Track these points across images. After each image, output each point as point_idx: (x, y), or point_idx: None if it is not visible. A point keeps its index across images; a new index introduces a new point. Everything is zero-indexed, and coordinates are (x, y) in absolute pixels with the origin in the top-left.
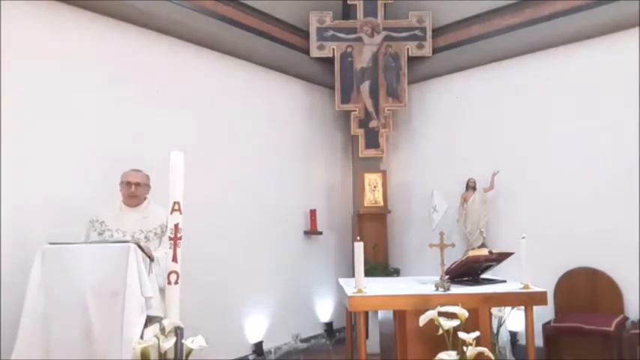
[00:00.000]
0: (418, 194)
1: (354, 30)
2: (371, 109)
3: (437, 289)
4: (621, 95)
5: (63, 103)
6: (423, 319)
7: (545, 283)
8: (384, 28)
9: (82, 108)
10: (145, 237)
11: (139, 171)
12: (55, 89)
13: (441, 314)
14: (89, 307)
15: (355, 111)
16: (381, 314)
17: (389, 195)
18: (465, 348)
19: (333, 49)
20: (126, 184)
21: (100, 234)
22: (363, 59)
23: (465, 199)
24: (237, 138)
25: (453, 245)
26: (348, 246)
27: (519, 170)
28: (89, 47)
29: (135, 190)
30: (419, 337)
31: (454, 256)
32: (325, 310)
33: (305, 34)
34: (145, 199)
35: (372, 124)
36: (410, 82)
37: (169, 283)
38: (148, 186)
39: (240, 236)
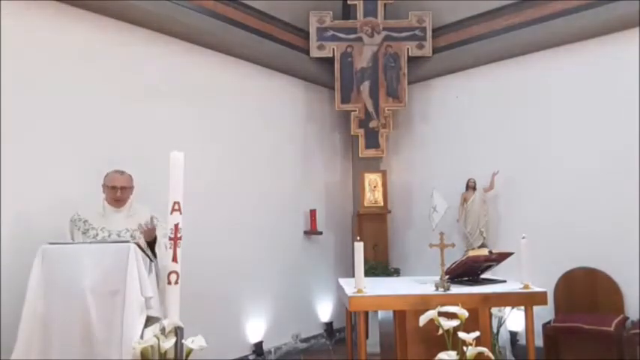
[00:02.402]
0: (418, 194)
1: (354, 30)
2: (371, 109)
3: (437, 289)
4: (621, 95)
5: (63, 103)
6: (423, 319)
7: (545, 283)
8: (384, 28)
9: (82, 108)
10: (131, 235)
11: (122, 173)
12: (54, 89)
13: (441, 314)
14: (89, 307)
15: (355, 111)
16: (381, 314)
17: (389, 195)
18: (465, 348)
19: (333, 49)
20: (111, 188)
21: (84, 233)
22: (363, 59)
23: (465, 199)
24: (237, 138)
25: (453, 245)
26: (348, 246)
27: (519, 170)
28: (89, 47)
29: (121, 195)
30: (419, 337)
31: (454, 256)
32: (325, 310)
33: (305, 34)
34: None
35: (372, 124)
36: (410, 82)
37: (169, 283)
38: (132, 187)
39: (240, 236)
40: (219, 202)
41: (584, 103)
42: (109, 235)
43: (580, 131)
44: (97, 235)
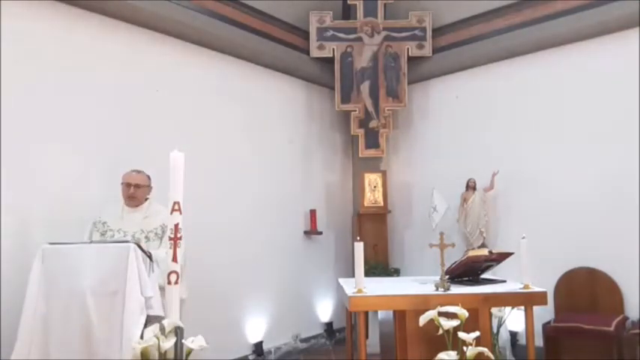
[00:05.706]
0: (418, 194)
1: (354, 30)
2: (371, 109)
3: (437, 289)
4: (621, 95)
5: (63, 103)
6: (423, 319)
7: (545, 283)
8: (384, 28)
9: (82, 108)
10: (146, 237)
11: (139, 172)
12: (55, 89)
13: (441, 314)
14: (89, 307)
15: (355, 111)
16: (381, 314)
17: (389, 195)
18: (465, 348)
19: (333, 49)
20: (125, 185)
21: (102, 234)
22: (363, 59)
23: (465, 199)
24: (237, 138)
25: (453, 245)
26: (348, 246)
27: (519, 170)
28: (89, 47)
29: (134, 192)
30: (419, 337)
31: (454, 256)
32: (325, 310)
33: (305, 34)
34: (147, 199)
35: (372, 124)
36: (410, 82)
37: (169, 283)
38: (148, 187)
39: (240, 236)
40: (219, 202)
41: (584, 103)
42: (125, 237)
43: (580, 131)
44: (114, 236)
